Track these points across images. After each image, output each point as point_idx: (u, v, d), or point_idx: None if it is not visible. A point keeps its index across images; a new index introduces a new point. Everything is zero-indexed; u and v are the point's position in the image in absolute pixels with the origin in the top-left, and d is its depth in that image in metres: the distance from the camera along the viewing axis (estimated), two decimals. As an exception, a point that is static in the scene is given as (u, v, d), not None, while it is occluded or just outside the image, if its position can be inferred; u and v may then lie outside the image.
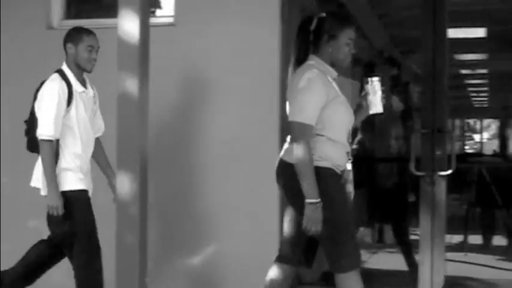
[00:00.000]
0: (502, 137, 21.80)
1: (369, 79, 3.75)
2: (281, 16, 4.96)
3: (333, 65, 3.62)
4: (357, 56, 6.13)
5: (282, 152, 3.63)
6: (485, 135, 29.45)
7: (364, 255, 6.69)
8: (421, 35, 5.03)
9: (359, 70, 6.28)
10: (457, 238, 7.70)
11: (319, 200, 3.39)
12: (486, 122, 29.01)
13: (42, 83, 4.14)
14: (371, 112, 3.77)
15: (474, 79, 15.58)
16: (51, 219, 4.05)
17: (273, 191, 4.25)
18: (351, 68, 5.90)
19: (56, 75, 4.11)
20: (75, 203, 4.04)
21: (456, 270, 5.95)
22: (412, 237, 6.19)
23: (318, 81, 3.49)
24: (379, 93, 3.74)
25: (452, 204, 8.04)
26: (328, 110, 3.49)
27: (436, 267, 4.95)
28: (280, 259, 3.75)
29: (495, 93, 18.68)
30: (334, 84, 3.60)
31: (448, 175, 4.93)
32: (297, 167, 3.42)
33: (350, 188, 3.70)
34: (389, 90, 6.92)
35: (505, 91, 16.66)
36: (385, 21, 8.89)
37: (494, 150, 19.94)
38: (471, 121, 28.36)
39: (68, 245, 4.07)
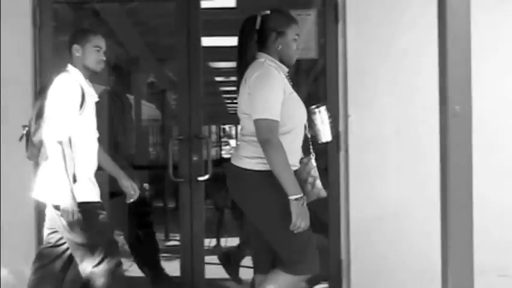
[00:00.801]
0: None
1: (316, 109, 3.67)
2: (33, 21, 4.82)
3: (281, 61, 3.57)
4: (112, 63, 6.09)
5: (237, 160, 3.53)
6: (234, 142, 30.50)
7: (125, 263, 6.64)
8: (176, 43, 5.10)
9: (113, 78, 6.22)
10: (215, 241, 7.88)
11: (302, 194, 3.33)
12: (240, 127, 30.03)
13: (43, 87, 3.95)
14: (321, 141, 3.70)
15: (228, 86, 16.07)
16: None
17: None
18: (107, 74, 5.83)
19: (66, 75, 3.89)
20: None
21: (216, 272, 6.08)
22: (174, 242, 6.20)
23: (275, 77, 3.43)
24: (327, 121, 3.68)
25: (211, 208, 8.22)
26: (285, 106, 3.42)
27: (197, 270, 5.03)
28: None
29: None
30: (286, 80, 3.54)
31: (205, 180, 5.03)
32: (274, 166, 3.32)
33: (319, 184, 3.62)
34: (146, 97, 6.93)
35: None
36: (140, 28, 8.91)
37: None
38: (227, 127, 29.26)
39: None
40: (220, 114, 22.31)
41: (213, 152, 20.16)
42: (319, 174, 3.67)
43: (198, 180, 5.02)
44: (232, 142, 29.31)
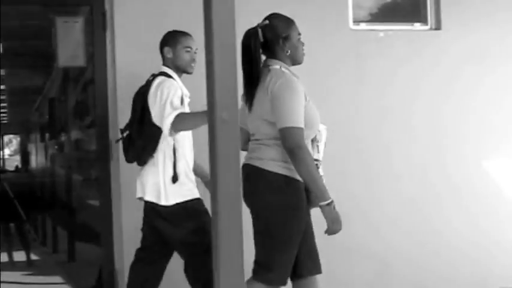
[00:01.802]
0: (23, 152, 21.98)
1: (320, 126, 3.57)
2: None
3: (293, 64, 3.51)
4: None
5: (259, 162, 3.42)
6: (7, 151, 29.37)
7: None
8: None
9: None
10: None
11: (331, 199, 3.29)
12: (7, 138, 28.96)
13: (144, 88, 3.93)
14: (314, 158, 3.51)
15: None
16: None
17: None
18: None
19: (165, 78, 3.92)
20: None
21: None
22: None
23: (296, 83, 3.37)
24: (324, 141, 3.59)
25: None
26: (305, 113, 3.36)
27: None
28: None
29: (14, 109, 18.77)
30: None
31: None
32: (304, 173, 3.28)
33: None
34: None
35: (24, 106, 16.83)
36: None
37: (17, 166, 20.07)
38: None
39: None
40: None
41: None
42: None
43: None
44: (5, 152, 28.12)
